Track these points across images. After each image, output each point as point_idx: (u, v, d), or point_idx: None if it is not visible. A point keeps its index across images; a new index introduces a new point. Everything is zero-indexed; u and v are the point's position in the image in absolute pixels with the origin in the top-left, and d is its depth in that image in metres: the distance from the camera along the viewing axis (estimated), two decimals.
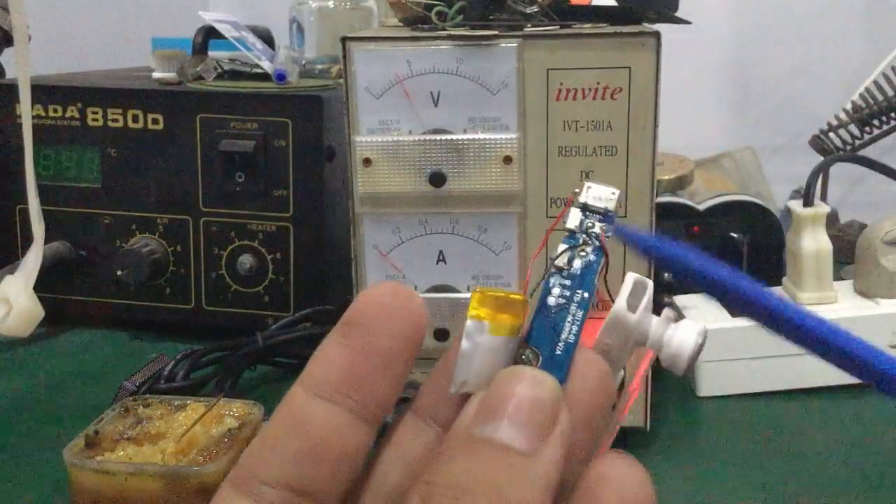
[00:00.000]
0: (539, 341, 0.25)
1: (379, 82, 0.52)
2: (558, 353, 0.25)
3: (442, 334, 0.54)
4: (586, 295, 0.26)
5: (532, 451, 0.22)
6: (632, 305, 0.26)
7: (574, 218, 0.27)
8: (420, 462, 0.25)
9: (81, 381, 0.68)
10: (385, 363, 0.24)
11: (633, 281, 0.26)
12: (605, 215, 0.27)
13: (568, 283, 0.26)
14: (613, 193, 0.27)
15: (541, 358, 0.25)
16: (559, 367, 0.25)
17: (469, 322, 0.24)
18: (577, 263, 0.26)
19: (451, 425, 0.23)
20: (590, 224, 0.27)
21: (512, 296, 0.25)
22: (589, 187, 0.27)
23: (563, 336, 0.25)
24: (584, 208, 0.27)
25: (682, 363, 0.26)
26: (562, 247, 0.26)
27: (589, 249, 0.26)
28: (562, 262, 0.26)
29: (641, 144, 0.52)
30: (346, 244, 0.55)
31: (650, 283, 0.26)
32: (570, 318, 0.25)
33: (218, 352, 0.65)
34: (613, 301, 0.26)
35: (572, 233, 0.27)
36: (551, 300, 0.26)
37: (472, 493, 0.21)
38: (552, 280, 0.26)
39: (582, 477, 0.23)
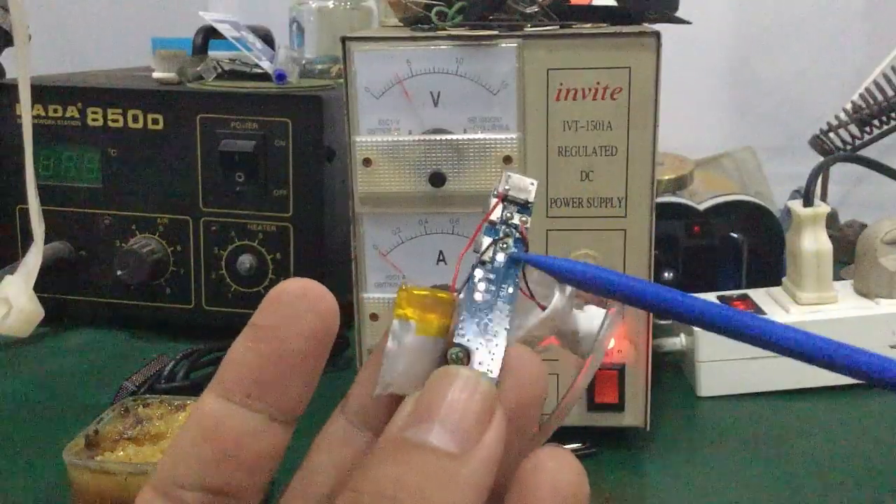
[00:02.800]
0: (468, 339, 0.25)
1: (379, 82, 0.52)
2: (489, 348, 0.24)
3: None
4: (511, 289, 0.25)
5: (462, 453, 0.21)
6: (564, 301, 0.26)
7: (494, 209, 0.26)
8: (349, 466, 0.25)
9: (81, 381, 0.68)
10: (294, 365, 0.24)
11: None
12: (524, 206, 0.26)
13: (492, 276, 0.25)
14: (532, 184, 0.26)
15: (472, 356, 0.24)
16: (491, 363, 0.24)
17: (395, 322, 0.24)
18: (500, 257, 0.26)
19: (379, 428, 0.23)
20: (508, 215, 0.26)
21: (440, 294, 0.24)
22: (509, 177, 0.26)
23: (492, 331, 0.25)
24: (504, 199, 0.26)
25: (586, 345, 0.27)
26: (485, 240, 0.26)
27: (510, 241, 0.26)
28: (487, 255, 0.26)
29: (641, 144, 0.52)
30: (346, 244, 0.55)
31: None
32: (497, 313, 0.25)
33: (218, 352, 0.65)
34: (533, 294, 0.26)
35: (493, 225, 0.26)
36: (478, 296, 0.25)
37: (397, 501, 0.21)
38: (477, 274, 0.25)
39: (517, 469, 0.23)
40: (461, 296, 0.25)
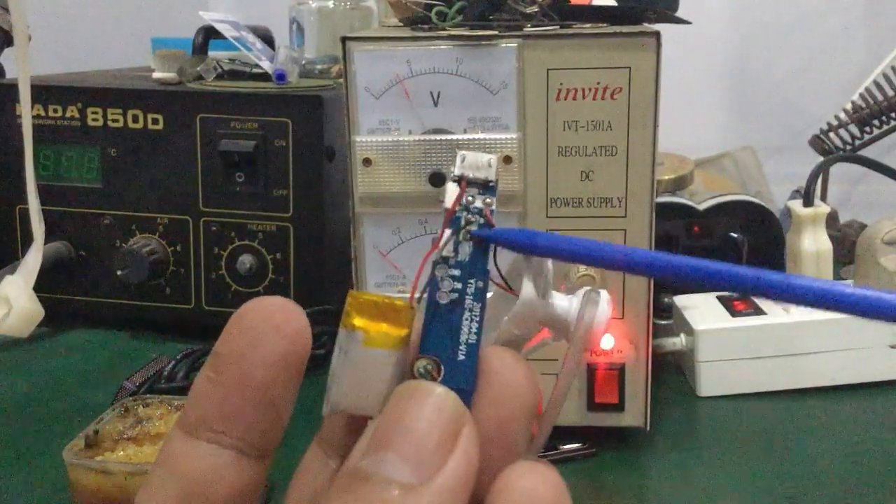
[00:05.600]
0: (436, 348, 0.22)
1: (379, 82, 0.52)
2: (461, 357, 0.22)
3: None
4: (480, 284, 0.22)
5: (421, 483, 0.20)
6: (538, 289, 0.23)
7: (451, 195, 0.23)
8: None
9: (81, 381, 0.68)
10: (260, 394, 0.22)
11: (530, 261, 0.23)
12: (485, 187, 0.23)
13: (457, 273, 0.22)
14: (491, 161, 0.23)
15: (442, 368, 0.21)
16: (465, 373, 0.21)
17: (340, 332, 0.21)
18: (465, 248, 0.22)
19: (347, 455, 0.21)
20: (470, 198, 0.23)
21: (395, 301, 0.21)
22: (463, 157, 0.23)
23: (463, 337, 0.22)
24: (462, 181, 0.23)
25: (598, 336, 0.24)
26: (445, 233, 0.23)
27: (474, 229, 0.23)
28: (447, 250, 0.22)
29: (641, 144, 0.52)
30: (346, 244, 0.55)
31: (548, 260, 0.24)
32: (467, 315, 0.22)
33: None
34: (508, 285, 0.23)
35: (453, 214, 0.23)
36: (442, 297, 0.22)
37: None
38: (439, 273, 0.22)
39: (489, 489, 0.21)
40: (423, 301, 0.22)
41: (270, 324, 0.22)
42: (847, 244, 0.81)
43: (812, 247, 0.65)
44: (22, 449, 0.57)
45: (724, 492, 0.52)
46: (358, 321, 0.21)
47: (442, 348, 0.22)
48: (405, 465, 0.20)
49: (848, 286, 0.19)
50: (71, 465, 0.47)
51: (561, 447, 0.54)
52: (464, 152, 0.23)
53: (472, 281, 0.22)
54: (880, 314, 0.18)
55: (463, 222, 0.23)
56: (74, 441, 0.49)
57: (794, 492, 0.52)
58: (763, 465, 0.55)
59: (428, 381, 0.21)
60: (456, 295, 0.22)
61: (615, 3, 0.60)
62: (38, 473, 0.54)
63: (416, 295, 0.22)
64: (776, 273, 0.20)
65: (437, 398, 0.21)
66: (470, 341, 0.22)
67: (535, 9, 0.56)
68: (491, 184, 0.23)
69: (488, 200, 0.23)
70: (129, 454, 0.49)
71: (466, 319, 0.22)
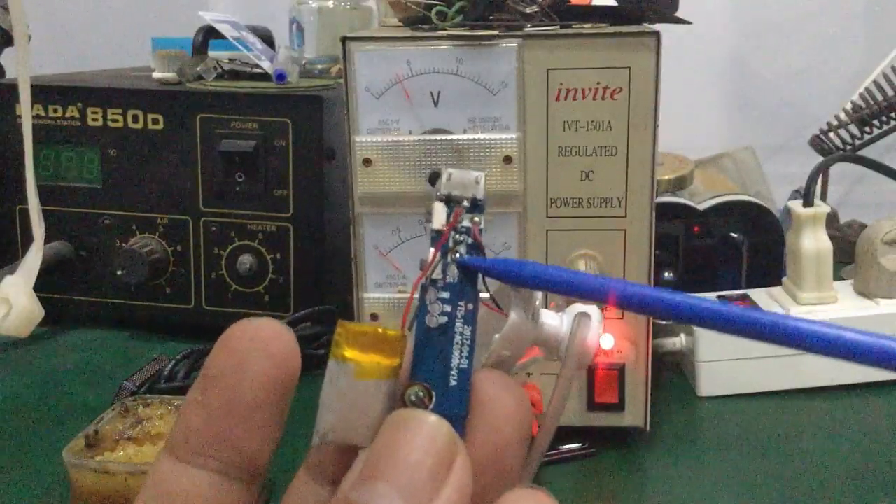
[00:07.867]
0: (427, 374, 0.21)
1: (379, 82, 0.52)
2: (452, 383, 0.21)
3: None
4: (471, 306, 0.22)
5: None
6: (527, 310, 0.23)
7: (439, 215, 0.22)
8: None
9: (81, 381, 0.68)
10: (248, 416, 0.21)
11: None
12: (473, 205, 0.22)
13: (446, 295, 0.22)
14: (478, 178, 0.23)
15: (434, 395, 0.21)
16: (457, 399, 0.21)
17: (330, 363, 0.21)
18: (453, 270, 0.22)
19: (338, 483, 0.21)
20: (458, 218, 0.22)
21: (386, 332, 0.21)
22: (450, 175, 0.23)
23: (455, 362, 0.21)
24: (449, 200, 0.22)
25: (588, 358, 0.24)
26: (436, 255, 0.22)
27: (462, 249, 0.22)
28: (437, 272, 0.22)
29: (641, 144, 0.52)
30: (346, 244, 0.55)
31: None
32: (457, 339, 0.21)
33: None
34: (498, 304, 0.23)
35: (440, 234, 0.22)
36: (431, 321, 0.21)
37: None
38: (428, 296, 0.22)
39: None
40: (413, 328, 0.22)
41: (258, 345, 0.21)
42: (847, 244, 0.81)
43: (812, 247, 0.65)
44: (22, 449, 0.57)
45: (724, 492, 0.52)
46: (349, 353, 0.21)
47: (433, 374, 0.21)
48: (397, 496, 0.19)
49: (849, 331, 0.18)
50: (71, 465, 0.47)
51: (561, 447, 0.54)
52: (450, 170, 0.23)
53: (461, 304, 0.22)
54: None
55: (451, 243, 0.22)
56: (74, 441, 0.49)
57: (794, 492, 0.52)
58: (763, 466, 0.55)
59: (420, 409, 0.21)
60: (445, 319, 0.22)
61: (615, 3, 0.60)
62: (38, 473, 0.54)
63: (408, 323, 0.22)
64: (772, 315, 0.19)
65: (429, 427, 0.20)
66: (461, 366, 0.21)
67: (535, 9, 0.56)
68: (479, 202, 0.22)
69: (476, 219, 0.22)
70: (129, 454, 0.49)
71: (457, 344, 0.21)
